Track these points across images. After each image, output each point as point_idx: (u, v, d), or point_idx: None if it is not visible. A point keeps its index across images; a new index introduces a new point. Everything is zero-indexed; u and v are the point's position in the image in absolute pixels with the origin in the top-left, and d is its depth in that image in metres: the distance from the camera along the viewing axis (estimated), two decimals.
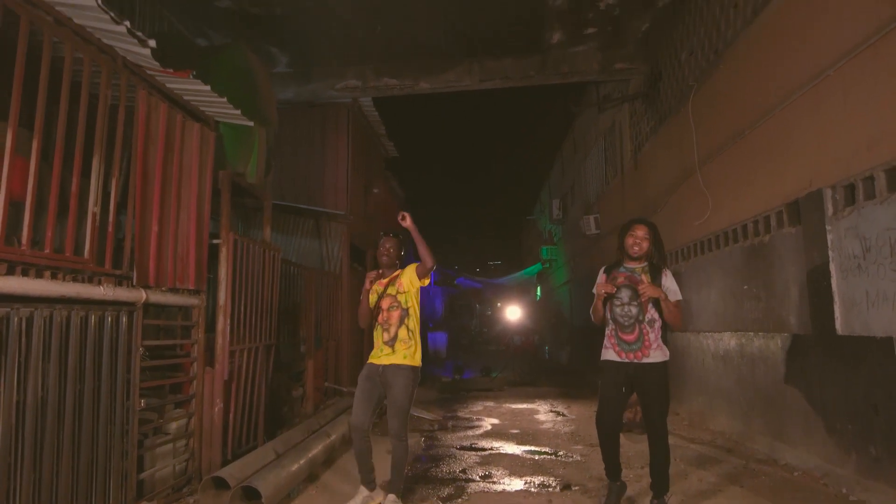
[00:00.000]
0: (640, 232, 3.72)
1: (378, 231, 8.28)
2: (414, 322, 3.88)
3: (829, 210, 4.51)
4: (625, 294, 3.68)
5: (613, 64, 8.71)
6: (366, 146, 10.66)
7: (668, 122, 7.96)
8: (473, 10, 7.47)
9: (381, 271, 4.06)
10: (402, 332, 3.84)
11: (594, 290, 3.79)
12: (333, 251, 8.93)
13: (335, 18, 7.59)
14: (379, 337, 3.90)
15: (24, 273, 2.90)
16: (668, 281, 3.67)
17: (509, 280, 25.84)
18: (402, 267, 4.03)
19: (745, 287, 5.85)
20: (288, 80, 9.03)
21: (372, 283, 3.99)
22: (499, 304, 29.18)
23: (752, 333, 5.71)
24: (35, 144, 3.07)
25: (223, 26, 7.75)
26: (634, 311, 3.64)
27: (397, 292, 3.92)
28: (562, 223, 17.86)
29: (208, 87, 4.05)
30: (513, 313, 24.20)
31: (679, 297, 3.67)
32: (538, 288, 23.71)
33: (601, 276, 3.87)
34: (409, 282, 3.91)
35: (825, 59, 4.54)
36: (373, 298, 4.00)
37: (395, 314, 3.87)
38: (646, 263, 3.74)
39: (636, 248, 3.70)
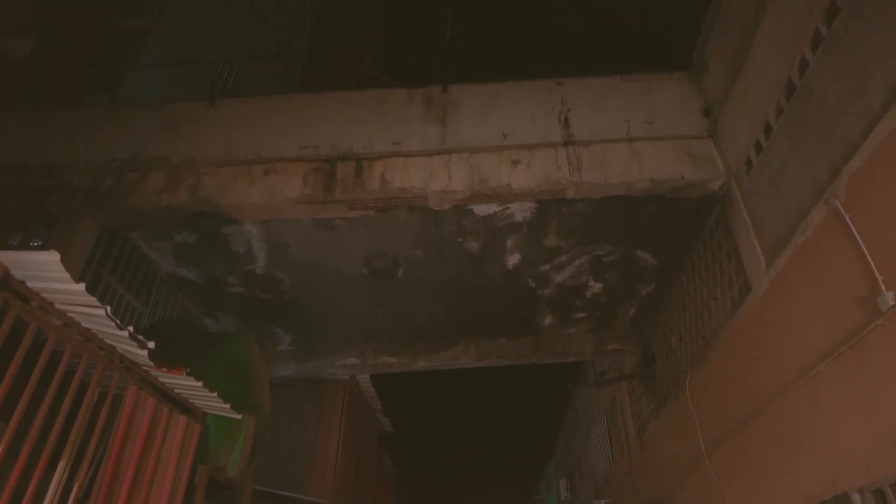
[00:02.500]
0: None
1: None
2: None
3: None
4: None
5: (606, 345, 8.97)
6: (360, 422, 10.35)
7: (669, 406, 7.82)
8: (470, 299, 8.00)
9: None
10: None
11: None
12: None
13: (341, 304, 8.08)
14: None
15: None
16: None
17: None
18: None
19: None
20: (289, 358, 9.20)
21: None
22: None
23: None
24: (7, 436, 2.91)
25: (232, 310, 8.20)
26: None
27: None
28: None
29: (200, 384, 4.05)
30: None
31: None
32: None
33: None
34: None
35: (812, 354, 4.62)
36: None
37: None
38: None
39: None
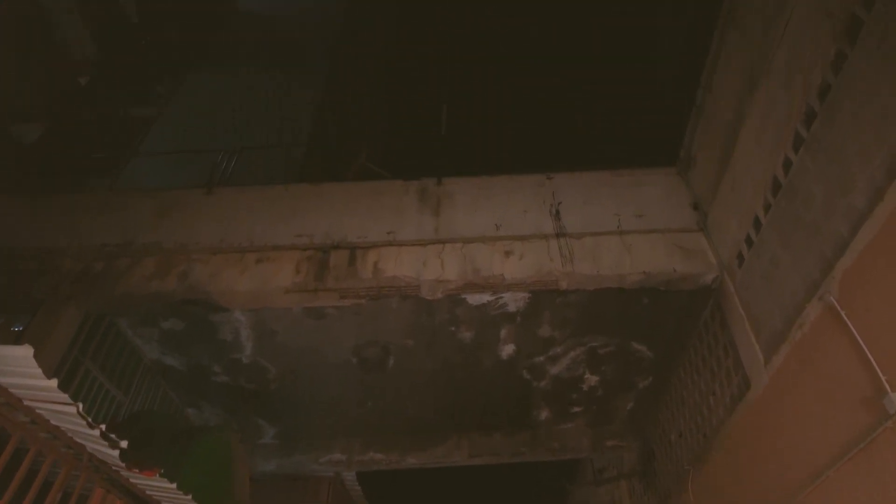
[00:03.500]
0: None
1: None
2: None
3: None
4: None
5: (604, 441, 8.62)
6: None
7: None
8: (463, 391, 7.76)
9: None
10: None
11: None
12: None
13: (328, 395, 7.80)
14: None
15: None
16: None
17: None
18: None
19: None
20: (272, 452, 8.75)
21: None
22: None
23: None
24: None
25: (216, 400, 7.89)
26: None
27: None
28: None
29: (174, 486, 3.79)
30: None
31: None
32: None
33: None
34: None
35: (818, 458, 4.41)
36: None
37: None
38: None
39: None
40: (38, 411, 3.11)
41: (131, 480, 3.85)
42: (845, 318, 3.93)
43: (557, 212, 6.24)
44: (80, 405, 2.88)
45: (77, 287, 5.97)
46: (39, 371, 2.61)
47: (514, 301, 6.14)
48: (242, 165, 7.74)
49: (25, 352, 2.51)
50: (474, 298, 6.08)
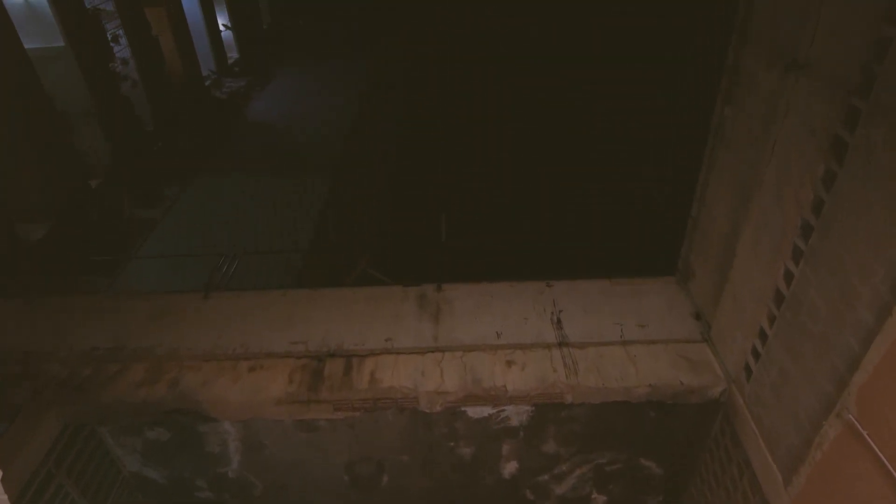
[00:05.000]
0: None
1: None
2: None
3: None
4: None
5: None
6: None
7: None
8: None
9: None
10: None
11: None
12: None
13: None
14: None
15: None
16: None
17: None
18: None
19: None
20: None
21: None
22: None
23: None
24: None
25: None
26: None
27: None
28: None
29: None
30: None
31: None
32: None
33: None
34: None
35: None
36: None
37: None
38: None
39: None
40: None
41: None
42: (868, 438, 3.73)
43: (559, 320, 6.16)
44: None
45: (60, 393, 5.73)
46: (5, 497, 2.40)
47: (516, 414, 5.89)
48: (242, 270, 7.75)
49: None
50: (475, 411, 5.83)
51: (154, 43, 16.38)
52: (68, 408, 5.67)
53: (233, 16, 21.09)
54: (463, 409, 5.75)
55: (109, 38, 14.36)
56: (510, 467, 6.57)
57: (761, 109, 5.10)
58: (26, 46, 11.44)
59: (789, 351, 4.68)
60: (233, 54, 21.19)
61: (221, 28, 20.45)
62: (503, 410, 5.81)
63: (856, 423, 3.84)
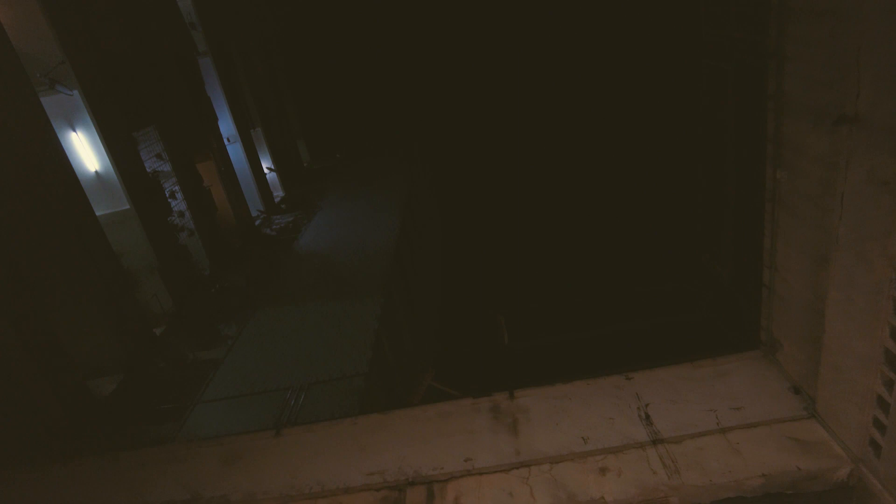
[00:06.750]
0: None
1: None
2: None
3: None
4: None
5: None
6: None
7: None
8: None
9: None
10: None
11: None
12: None
13: None
14: None
15: None
16: None
17: None
18: None
19: None
20: None
21: None
22: None
23: None
24: None
25: None
26: None
27: None
28: None
29: None
30: None
31: None
32: None
33: None
34: None
35: None
36: None
37: None
38: None
39: None
40: None
41: None
42: None
43: (647, 415, 5.73)
44: None
45: None
46: None
47: None
48: (308, 399, 7.65)
49: None
50: None
51: (206, 193, 17.64)
52: None
53: (275, 158, 22.74)
54: None
55: (167, 195, 15.56)
56: None
57: (817, 169, 4.97)
58: (98, 213, 12.47)
59: None
60: (278, 192, 22.60)
61: (266, 171, 22.00)
62: None
63: None
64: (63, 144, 11.66)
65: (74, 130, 12.71)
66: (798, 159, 5.30)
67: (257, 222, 20.24)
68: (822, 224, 4.96)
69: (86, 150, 12.93)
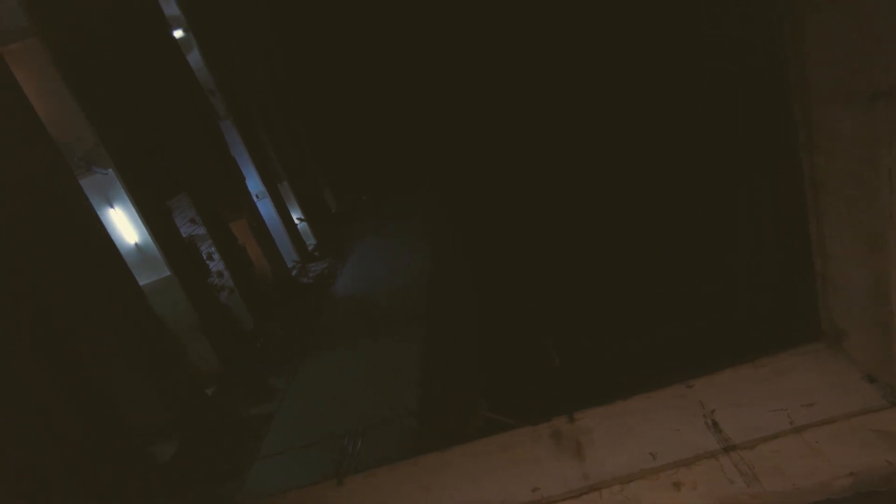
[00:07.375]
0: None
1: None
2: None
3: None
4: None
5: None
6: None
7: None
8: None
9: None
10: None
11: None
12: None
13: None
14: None
15: None
16: None
17: None
18: None
19: None
20: None
21: None
22: None
23: None
24: None
25: None
26: None
27: None
28: None
29: None
30: None
31: None
32: None
33: None
34: None
35: None
36: None
37: None
38: None
39: None
40: None
41: None
42: None
43: (714, 422, 5.52)
44: None
45: None
46: None
47: None
48: (366, 445, 7.61)
49: None
50: None
51: (242, 251, 18.08)
52: None
53: (303, 208, 23.21)
54: None
55: (205, 257, 16.01)
56: None
57: (857, 149, 4.82)
58: (141, 283, 12.86)
59: None
60: (310, 241, 22.99)
61: (296, 221, 22.45)
62: None
63: None
64: (103, 220, 12.14)
65: (112, 206, 13.24)
66: (833, 143, 5.15)
67: (294, 272, 20.59)
68: (872, 204, 4.78)
69: (124, 224, 13.44)
